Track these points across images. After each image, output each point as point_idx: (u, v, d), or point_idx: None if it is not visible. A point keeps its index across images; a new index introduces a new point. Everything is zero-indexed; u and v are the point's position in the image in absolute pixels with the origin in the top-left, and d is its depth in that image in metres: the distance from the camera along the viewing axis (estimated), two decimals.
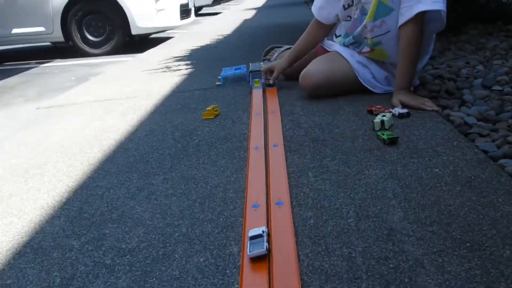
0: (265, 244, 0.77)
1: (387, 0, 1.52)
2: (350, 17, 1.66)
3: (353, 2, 1.62)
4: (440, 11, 1.45)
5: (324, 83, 1.64)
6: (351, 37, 1.67)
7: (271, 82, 1.84)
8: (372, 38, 1.59)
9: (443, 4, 1.44)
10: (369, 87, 1.67)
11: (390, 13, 1.53)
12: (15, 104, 2.80)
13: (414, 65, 1.53)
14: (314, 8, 1.75)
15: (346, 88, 1.68)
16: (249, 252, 0.76)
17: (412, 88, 1.58)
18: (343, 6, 1.65)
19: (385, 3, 1.53)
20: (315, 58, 1.74)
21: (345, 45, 1.71)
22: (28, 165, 1.35)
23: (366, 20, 1.58)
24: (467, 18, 2.72)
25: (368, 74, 1.67)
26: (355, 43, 1.67)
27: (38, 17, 4.63)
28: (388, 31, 1.55)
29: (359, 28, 1.62)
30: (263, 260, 0.77)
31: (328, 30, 1.80)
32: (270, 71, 1.86)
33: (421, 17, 1.46)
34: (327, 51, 1.79)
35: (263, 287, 0.70)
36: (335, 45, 1.77)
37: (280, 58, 2.08)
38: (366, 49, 1.65)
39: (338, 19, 1.73)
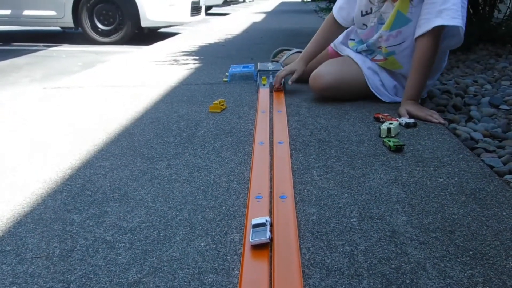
0: (268, 233, 0.77)
1: (406, 11, 1.52)
2: (366, 26, 1.66)
3: (371, 10, 1.62)
4: (458, 28, 1.45)
5: (333, 85, 1.65)
6: (365, 45, 1.67)
7: (290, 83, 1.78)
8: (387, 47, 1.59)
9: (462, 21, 1.43)
10: (376, 94, 1.67)
11: (407, 23, 1.53)
12: (21, 83, 2.79)
13: (425, 77, 1.53)
14: (335, 8, 1.76)
15: (354, 92, 1.69)
16: (252, 239, 0.76)
17: (419, 101, 1.58)
18: (361, 12, 1.65)
19: (404, 13, 1.53)
20: (326, 60, 1.75)
21: (357, 51, 1.72)
22: (33, 141, 1.34)
23: (382, 29, 1.59)
24: (478, 38, 2.73)
25: (377, 81, 1.67)
26: (368, 51, 1.68)
27: (50, 1, 4.64)
28: (403, 42, 1.56)
29: (375, 37, 1.62)
30: (264, 249, 0.76)
31: (341, 32, 1.80)
32: (290, 73, 1.80)
33: (439, 31, 1.46)
34: (339, 55, 1.80)
35: (264, 275, 0.70)
36: (347, 50, 1.77)
37: (289, 61, 2.09)
38: (379, 57, 1.66)
39: (354, 24, 1.73)
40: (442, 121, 1.44)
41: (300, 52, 2.01)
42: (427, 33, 1.45)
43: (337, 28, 1.76)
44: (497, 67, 2.28)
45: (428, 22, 1.45)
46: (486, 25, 2.79)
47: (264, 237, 0.76)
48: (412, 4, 1.51)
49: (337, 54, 1.81)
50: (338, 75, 1.65)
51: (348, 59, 1.69)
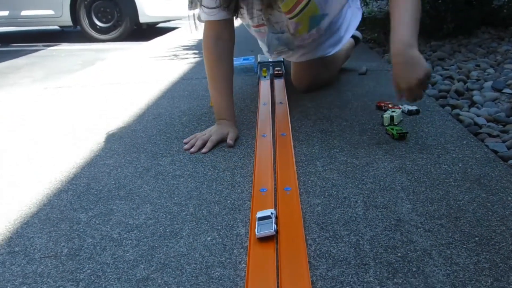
0: (274, 225, 0.77)
1: (318, 11, 1.36)
2: (262, 32, 1.51)
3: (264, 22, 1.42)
4: None
5: (315, 84, 1.68)
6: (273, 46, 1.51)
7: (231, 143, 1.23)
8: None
9: None
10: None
11: (324, 18, 1.42)
12: (22, 84, 2.79)
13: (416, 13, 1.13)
14: (204, 15, 1.27)
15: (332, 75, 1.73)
16: (258, 232, 0.76)
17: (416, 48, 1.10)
18: (252, 25, 1.47)
19: (317, 13, 1.37)
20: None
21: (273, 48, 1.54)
22: (36, 141, 1.35)
23: (298, 33, 1.45)
24: (479, 21, 2.71)
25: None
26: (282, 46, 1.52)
27: (48, 0, 4.63)
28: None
29: (285, 38, 1.47)
30: (270, 241, 0.76)
31: (232, 26, 1.33)
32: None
33: None
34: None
35: (270, 268, 0.70)
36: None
37: None
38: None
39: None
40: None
41: None
42: None
43: (224, 27, 1.30)
44: (499, 51, 2.26)
45: None
46: (487, 8, 2.76)
47: (270, 230, 0.76)
48: (320, 4, 1.33)
49: None
50: (313, 75, 1.66)
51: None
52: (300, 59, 1.65)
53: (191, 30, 1.24)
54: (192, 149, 1.20)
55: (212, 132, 1.24)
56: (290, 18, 1.38)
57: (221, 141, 1.24)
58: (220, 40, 1.29)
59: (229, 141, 1.22)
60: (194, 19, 1.20)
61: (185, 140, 1.26)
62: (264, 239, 0.77)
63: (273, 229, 0.76)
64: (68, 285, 0.70)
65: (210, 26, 1.24)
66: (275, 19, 1.39)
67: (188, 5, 1.21)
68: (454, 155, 1.10)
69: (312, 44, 1.58)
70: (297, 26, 1.43)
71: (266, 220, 0.78)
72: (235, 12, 1.27)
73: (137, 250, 0.77)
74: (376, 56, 2.41)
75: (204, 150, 1.19)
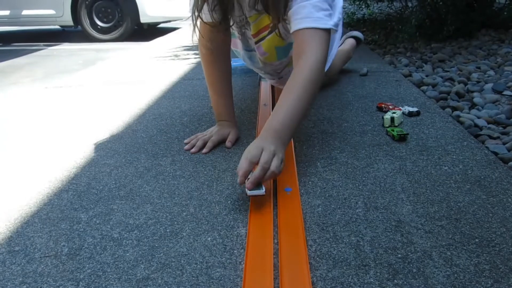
0: (263, 188, 0.88)
1: (283, 43, 1.30)
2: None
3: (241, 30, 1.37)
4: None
5: None
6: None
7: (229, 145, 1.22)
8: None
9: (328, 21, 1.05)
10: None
11: (292, 47, 1.18)
12: (23, 83, 2.80)
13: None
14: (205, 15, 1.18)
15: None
16: (248, 192, 0.86)
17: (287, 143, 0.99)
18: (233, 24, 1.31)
19: (282, 45, 1.32)
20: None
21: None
22: (36, 139, 1.35)
23: (267, 61, 1.41)
24: (479, 23, 2.71)
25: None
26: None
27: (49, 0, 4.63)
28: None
29: (257, 63, 1.44)
30: (270, 240, 0.76)
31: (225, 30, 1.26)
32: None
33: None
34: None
35: (269, 268, 0.70)
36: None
37: None
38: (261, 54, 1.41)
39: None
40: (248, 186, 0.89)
41: None
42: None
43: (217, 32, 1.24)
44: (500, 53, 2.27)
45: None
46: (488, 11, 2.77)
47: (260, 190, 0.87)
48: (285, 36, 1.24)
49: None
50: None
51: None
52: (279, 83, 1.58)
53: (192, 35, 1.23)
54: (193, 150, 1.20)
55: (213, 133, 1.25)
56: (255, 42, 1.36)
57: (222, 141, 1.23)
58: (216, 42, 1.28)
59: (228, 143, 1.22)
60: (195, 21, 1.19)
61: (186, 141, 1.26)
62: (263, 240, 0.77)
63: (263, 190, 0.88)
64: (68, 284, 0.70)
65: (205, 28, 1.24)
66: (249, 35, 1.36)
67: (189, 8, 1.20)
68: (454, 157, 1.10)
69: (287, 68, 1.48)
70: (265, 54, 1.38)
71: (258, 186, 0.88)
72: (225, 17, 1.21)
73: (137, 250, 0.77)
74: (377, 58, 2.41)
75: (204, 150, 1.19)
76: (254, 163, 0.89)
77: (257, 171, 0.87)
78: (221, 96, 1.31)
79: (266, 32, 1.30)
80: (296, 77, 1.01)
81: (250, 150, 0.91)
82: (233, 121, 1.30)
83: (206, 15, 1.17)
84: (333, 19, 1.07)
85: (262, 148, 0.90)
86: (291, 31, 1.08)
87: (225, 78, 1.32)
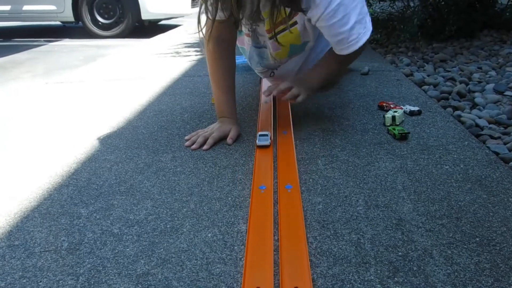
0: (269, 140, 1.14)
1: (299, 41, 1.37)
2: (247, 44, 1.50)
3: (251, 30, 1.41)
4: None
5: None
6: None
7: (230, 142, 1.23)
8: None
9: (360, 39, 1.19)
10: None
11: (305, 47, 1.41)
12: (23, 79, 2.79)
13: (331, 69, 1.33)
14: (205, 15, 1.20)
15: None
16: (258, 142, 1.13)
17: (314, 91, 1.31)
18: (244, 33, 1.44)
19: (298, 44, 1.38)
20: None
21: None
22: (36, 136, 1.35)
23: (278, 57, 1.44)
24: (481, 24, 2.71)
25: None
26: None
27: None
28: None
29: (266, 57, 1.46)
30: (270, 236, 0.76)
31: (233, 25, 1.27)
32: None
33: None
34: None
35: (269, 266, 0.70)
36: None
37: None
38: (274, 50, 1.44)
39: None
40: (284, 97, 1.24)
41: None
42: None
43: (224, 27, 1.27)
44: (501, 53, 2.26)
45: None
46: (490, 11, 2.76)
47: (266, 142, 1.13)
48: (303, 35, 1.34)
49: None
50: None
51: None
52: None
53: (198, 30, 1.23)
54: (194, 146, 1.19)
55: (214, 129, 1.24)
56: (269, 38, 1.37)
57: (223, 138, 1.23)
58: (221, 39, 1.29)
59: (229, 139, 1.22)
60: (199, 16, 1.19)
61: (186, 137, 1.26)
62: (263, 236, 0.77)
63: (268, 142, 1.13)
64: (68, 279, 0.69)
65: (213, 25, 1.24)
66: (261, 32, 1.37)
67: (191, 3, 1.22)
68: (455, 156, 1.10)
69: (294, 62, 1.50)
70: (277, 49, 1.39)
71: (264, 136, 1.15)
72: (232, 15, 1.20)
73: (137, 246, 0.77)
74: (378, 57, 2.40)
75: (205, 147, 1.19)
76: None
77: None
78: (224, 93, 1.31)
79: (283, 26, 1.30)
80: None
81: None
82: (234, 118, 1.30)
83: (217, 11, 1.17)
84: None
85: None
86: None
87: (230, 75, 1.32)
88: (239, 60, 2.15)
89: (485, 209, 0.86)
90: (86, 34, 4.73)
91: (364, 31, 1.19)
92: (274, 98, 1.59)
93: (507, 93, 1.65)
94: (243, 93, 1.72)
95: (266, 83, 1.77)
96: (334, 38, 1.20)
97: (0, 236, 0.82)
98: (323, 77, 1.32)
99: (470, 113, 1.48)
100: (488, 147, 1.19)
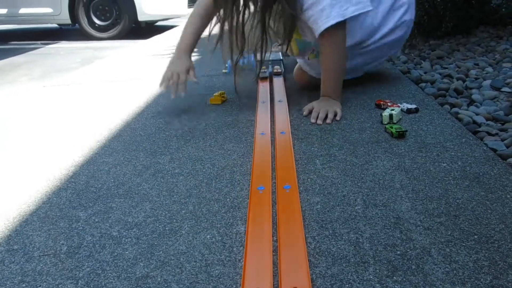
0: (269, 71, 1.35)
1: (300, 36, 1.52)
2: None
3: None
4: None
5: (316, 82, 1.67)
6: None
7: (194, 80, 1.59)
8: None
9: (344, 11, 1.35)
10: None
11: (311, 44, 1.55)
12: (20, 82, 2.79)
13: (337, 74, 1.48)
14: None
15: None
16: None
17: (338, 98, 1.47)
18: None
19: (300, 38, 1.53)
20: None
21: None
22: (34, 138, 1.35)
23: (292, 51, 1.59)
24: (478, 20, 2.71)
25: None
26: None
27: None
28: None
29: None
30: (269, 237, 0.77)
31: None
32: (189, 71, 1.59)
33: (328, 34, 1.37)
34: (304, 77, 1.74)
35: (268, 265, 0.70)
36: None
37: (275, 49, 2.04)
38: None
39: None
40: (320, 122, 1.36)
41: None
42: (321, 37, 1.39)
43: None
44: (498, 50, 2.26)
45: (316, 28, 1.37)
46: (486, 7, 2.77)
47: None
48: (302, 30, 1.50)
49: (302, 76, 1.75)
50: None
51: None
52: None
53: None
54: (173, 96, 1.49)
55: (180, 72, 1.53)
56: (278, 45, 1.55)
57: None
58: (206, 15, 1.54)
59: (193, 78, 1.55)
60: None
61: (161, 86, 1.52)
62: (261, 238, 0.77)
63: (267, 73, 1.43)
64: (67, 283, 0.70)
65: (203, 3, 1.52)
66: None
67: (188, 3, 1.30)
68: (453, 154, 1.10)
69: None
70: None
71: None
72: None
73: (136, 248, 0.77)
74: None
75: (183, 93, 1.49)
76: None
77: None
78: (186, 28, 1.58)
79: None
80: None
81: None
82: (188, 52, 1.58)
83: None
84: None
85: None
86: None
87: (200, 24, 1.58)
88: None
89: (483, 207, 0.86)
90: (83, 36, 4.72)
91: (339, 12, 1.33)
92: (271, 98, 1.59)
93: (504, 89, 1.65)
94: (241, 93, 1.72)
95: (263, 84, 1.78)
96: (310, 21, 1.36)
97: None
98: (336, 85, 1.48)
99: (467, 110, 1.48)
100: (485, 144, 1.19)
